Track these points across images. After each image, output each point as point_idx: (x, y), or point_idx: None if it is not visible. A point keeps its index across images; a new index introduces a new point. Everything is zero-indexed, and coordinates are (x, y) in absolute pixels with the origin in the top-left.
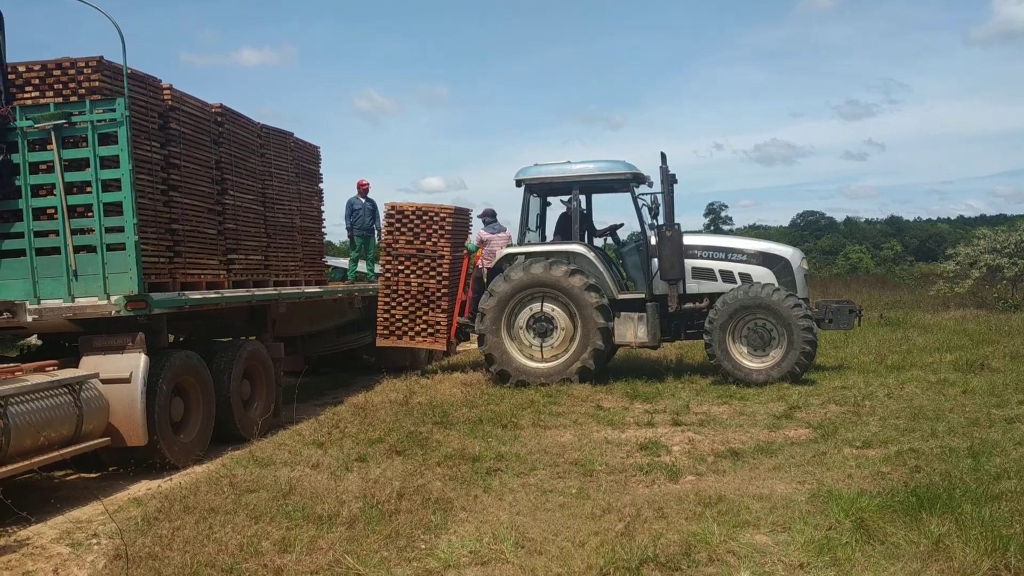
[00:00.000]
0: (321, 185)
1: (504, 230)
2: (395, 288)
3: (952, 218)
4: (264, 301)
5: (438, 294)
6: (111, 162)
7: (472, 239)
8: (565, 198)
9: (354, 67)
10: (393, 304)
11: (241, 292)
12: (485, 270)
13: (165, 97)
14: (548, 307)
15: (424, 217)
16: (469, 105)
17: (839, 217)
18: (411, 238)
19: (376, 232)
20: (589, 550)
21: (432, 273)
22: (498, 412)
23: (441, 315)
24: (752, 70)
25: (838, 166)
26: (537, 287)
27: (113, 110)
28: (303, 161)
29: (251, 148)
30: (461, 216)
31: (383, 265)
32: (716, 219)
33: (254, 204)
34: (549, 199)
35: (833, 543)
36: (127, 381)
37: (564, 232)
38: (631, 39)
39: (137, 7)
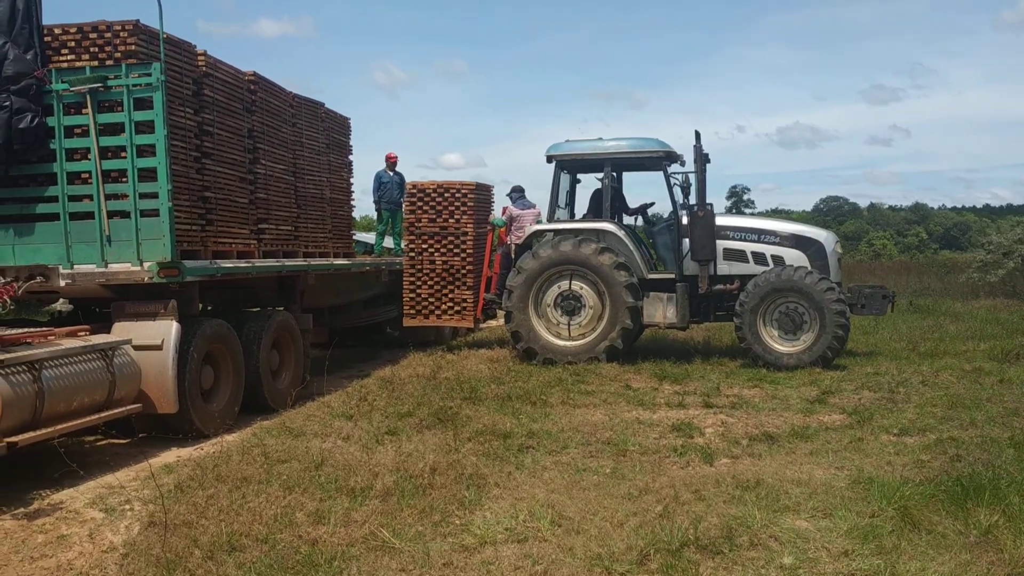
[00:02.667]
0: (351, 157)
1: (533, 207)
2: (419, 267)
3: (978, 206)
4: (293, 272)
5: (463, 271)
6: (146, 127)
7: (497, 214)
8: (598, 175)
9: (372, 39)
10: (418, 283)
11: (271, 262)
12: (513, 247)
13: (199, 63)
14: (576, 285)
15: (445, 194)
16: (487, 80)
17: (863, 203)
18: (433, 216)
19: (404, 205)
20: (628, 531)
21: (456, 250)
22: (526, 389)
23: (467, 292)
24: (777, 52)
25: (862, 151)
26: (566, 265)
27: (149, 74)
28: (333, 132)
29: (283, 117)
30: (482, 192)
31: (406, 245)
32: (738, 202)
33: (285, 174)
34: (579, 176)
35: (878, 531)
36: (159, 348)
37: (595, 209)
38: (655, 16)
39: None
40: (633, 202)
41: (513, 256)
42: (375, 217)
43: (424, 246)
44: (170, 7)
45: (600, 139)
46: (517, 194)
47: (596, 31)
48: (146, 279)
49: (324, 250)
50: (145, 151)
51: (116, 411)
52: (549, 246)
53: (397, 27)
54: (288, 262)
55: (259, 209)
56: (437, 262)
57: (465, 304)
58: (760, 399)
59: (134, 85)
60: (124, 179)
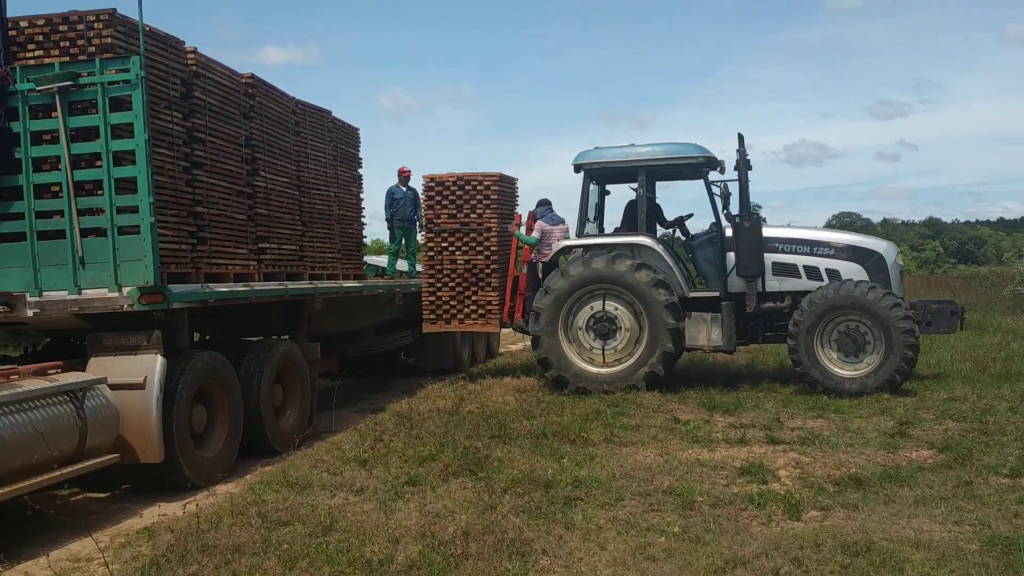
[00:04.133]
0: (360, 171)
1: (562, 221)
2: (439, 267)
3: (992, 220)
4: (298, 296)
5: (487, 271)
6: (124, 131)
7: (522, 227)
8: (631, 185)
9: (378, 65)
10: (438, 285)
11: (273, 285)
12: (540, 264)
13: (189, 62)
14: (611, 305)
15: (466, 187)
16: (494, 104)
17: (875, 219)
18: (454, 211)
19: (418, 223)
20: None
21: (479, 248)
22: (562, 424)
23: (492, 294)
24: (781, 70)
25: (870, 167)
26: (598, 283)
27: (127, 70)
28: (342, 143)
29: (285, 125)
30: (507, 184)
31: (425, 242)
32: None
33: (288, 188)
34: (608, 187)
35: None
36: (140, 387)
37: (629, 222)
38: (660, 38)
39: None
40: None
41: (540, 275)
42: (387, 238)
43: (444, 244)
44: (173, 34)
45: (632, 145)
46: (544, 208)
47: (600, 54)
48: (125, 307)
49: (332, 271)
50: (124, 159)
51: (88, 464)
52: (580, 263)
53: (403, 53)
54: (292, 285)
55: (259, 226)
56: (459, 261)
57: (490, 307)
58: (831, 432)
59: (110, 83)
60: (99, 192)
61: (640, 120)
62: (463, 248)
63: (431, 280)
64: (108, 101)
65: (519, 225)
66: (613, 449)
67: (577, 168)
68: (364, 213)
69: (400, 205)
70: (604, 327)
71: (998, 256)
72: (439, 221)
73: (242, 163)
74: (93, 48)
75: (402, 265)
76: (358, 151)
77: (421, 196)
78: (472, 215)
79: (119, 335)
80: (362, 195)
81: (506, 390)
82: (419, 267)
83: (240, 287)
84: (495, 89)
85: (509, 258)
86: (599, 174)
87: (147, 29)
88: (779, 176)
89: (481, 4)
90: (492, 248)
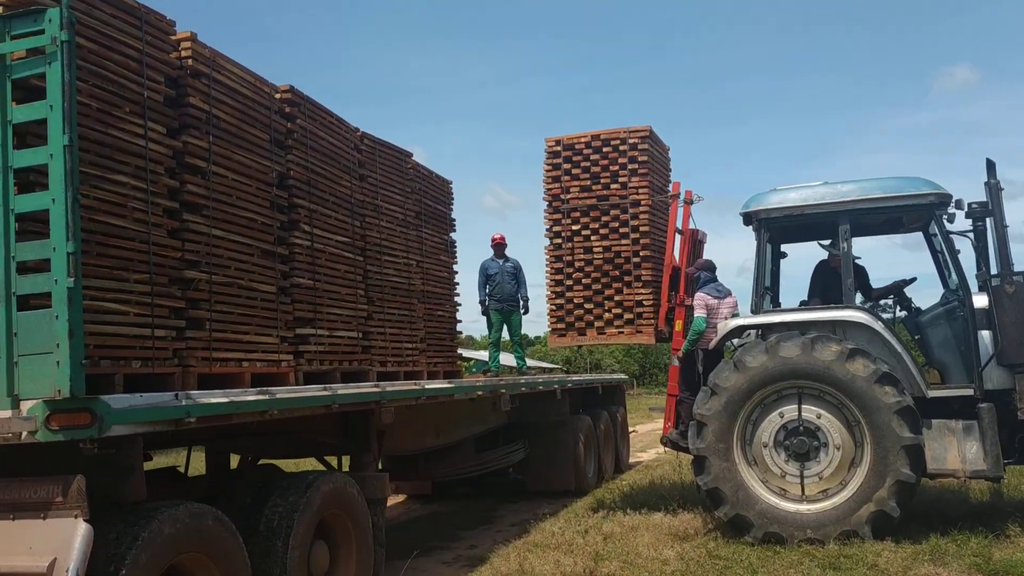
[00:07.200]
0: (454, 234)
1: (730, 294)
2: (569, 260)
3: None
4: (354, 405)
5: (635, 260)
6: (34, 134)
7: (695, 305)
8: (823, 242)
9: (480, 167)
10: (568, 283)
11: (312, 391)
12: (699, 353)
13: (184, 52)
14: (810, 411)
15: (604, 149)
16: None
17: None
18: (587, 182)
19: (522, 302)
20: None
21: (624, 230)
22: None
23: (643, 291)
24: (894, 155)
25: None
26: (791, 379)
27: (41, 31)
28: (428, 197)
29: (343, 164)
30: (657, 147)
31: (548, 226)
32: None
33: (346, 251)
34: (783, 247)
35: None
36: None
37: (824, 291)
38: (768, 128)
39: None
40: None
41: (700, 367)
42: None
43: (575, 228)
44: None
45: (826, 183)
46: (707, 274)
47: (697, 140)
48: (24, 435)
49: (413, 368)
50: (34, 181)
51: None
52: (762, 350)
53: (503, 153)
54: (343, 391)
55: (298, 303)
56: (595, 250)
57: (641, 310)
58: None
59: (16, 58)
60: None
61: None
62: (601, 231)
63: (557, 278)
64: (10, 85)
65: (677, 197)
66: None
67: (747, 218)
68: (458, 290)
69: (497, 282)
70: (802, 443)
71: None
72: (567, 197)
73: (272, 210)
74: None
75: (507, 359)
76: (450, 209)
77: (527, 272)
78: (613, 186)
79: (14, 484)
80: (455, 266)
81: (659, 535)
82: (533, 363)
83: (252, 396)
84: None
85: (665, 245)
86: (778, 226)
87: None
88: (900, 262)
89: (571, 102)
90: (643, 229)
